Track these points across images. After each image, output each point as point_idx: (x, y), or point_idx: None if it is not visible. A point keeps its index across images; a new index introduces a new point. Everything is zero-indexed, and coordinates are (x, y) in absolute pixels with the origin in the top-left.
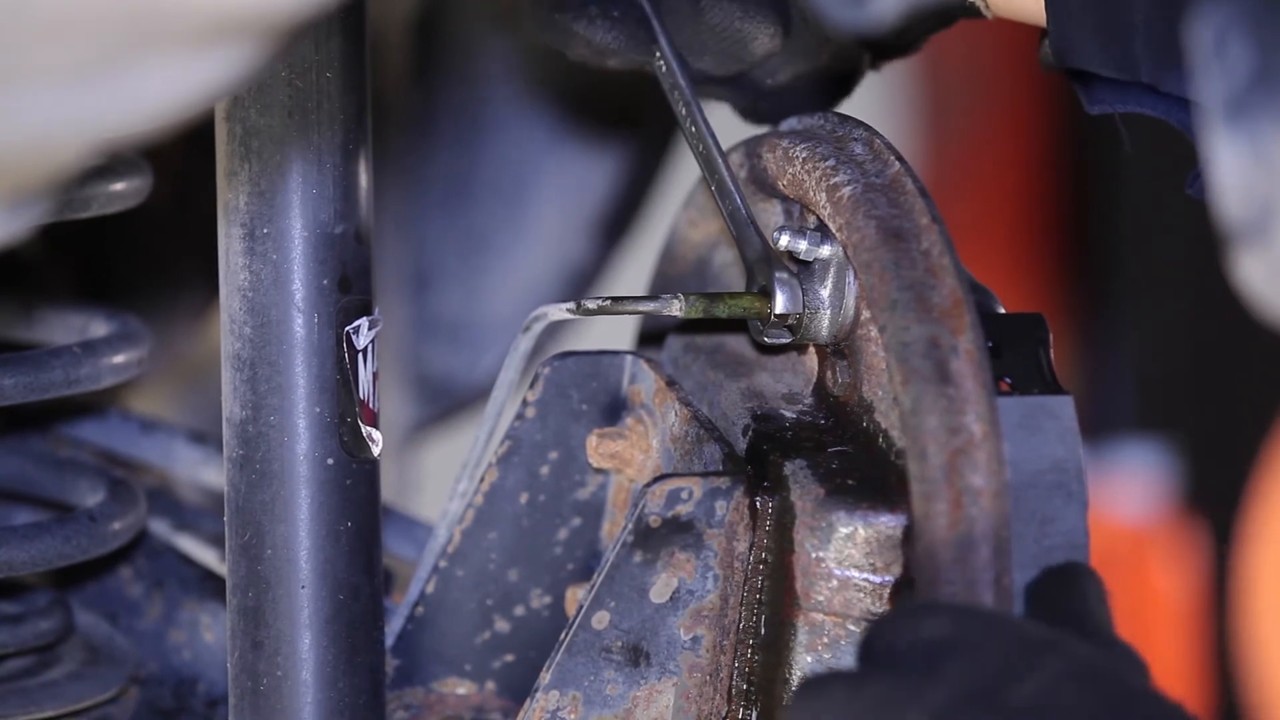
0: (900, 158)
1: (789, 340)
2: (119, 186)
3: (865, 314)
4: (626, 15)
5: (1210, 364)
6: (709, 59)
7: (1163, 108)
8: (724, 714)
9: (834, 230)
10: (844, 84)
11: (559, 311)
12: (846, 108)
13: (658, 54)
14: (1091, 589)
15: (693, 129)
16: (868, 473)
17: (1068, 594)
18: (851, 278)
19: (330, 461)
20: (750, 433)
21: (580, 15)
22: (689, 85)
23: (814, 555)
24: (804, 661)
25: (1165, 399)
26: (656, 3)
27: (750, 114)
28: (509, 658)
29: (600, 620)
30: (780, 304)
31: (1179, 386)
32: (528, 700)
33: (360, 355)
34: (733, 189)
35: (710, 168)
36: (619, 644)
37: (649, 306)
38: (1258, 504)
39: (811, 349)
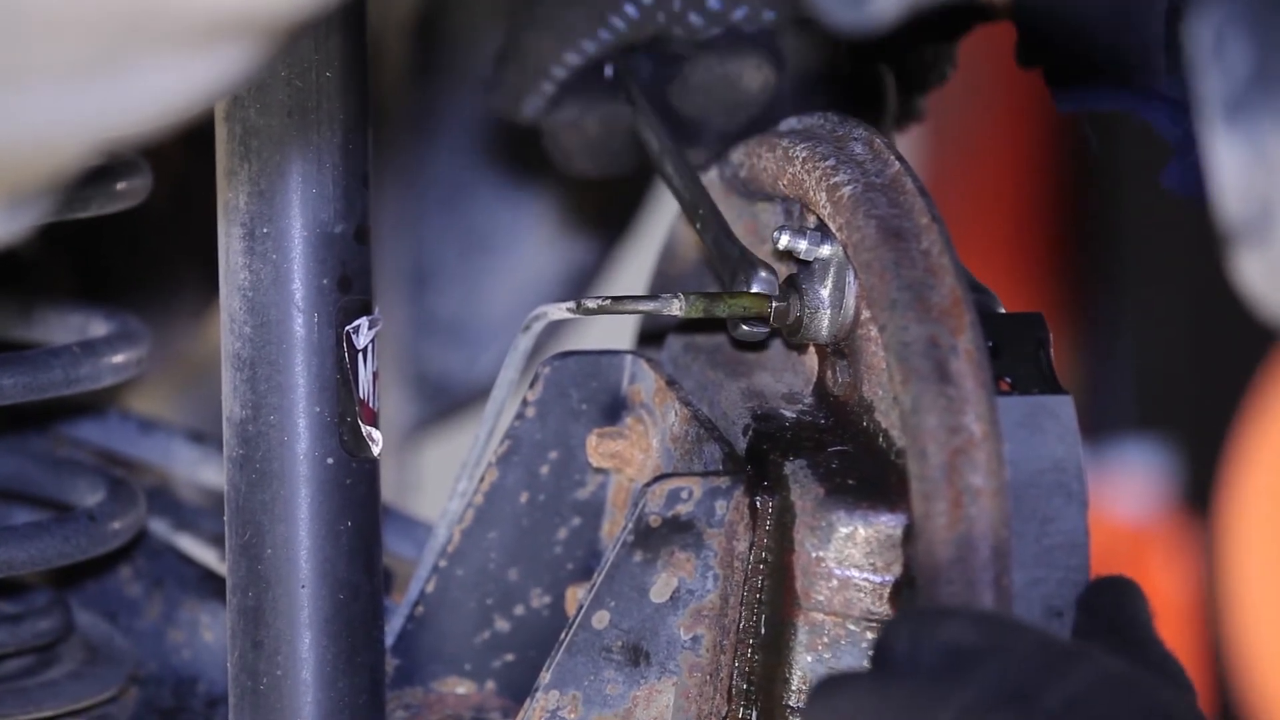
0: (900, 157)
1: (764, 335)
2: (119, 186)
3: (865, 313)
4: (601, 93)
5: (1209, 363)
6: (717, 116)
7: (1129, 102)
8: (724, 714)
9: (834, 230)
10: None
11: (559, 311)
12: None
13: (644, 127)
14: (1140, 602)
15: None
16: (868, 472)
17: (1118, 605)
18: (851, 277)
19: (330, 461)
20: (750, 432)
21: (556, 105)
22: (677, 155)
23: (814, 555)
24: (804, 661)
25: (1164, 398)
26: (627, 73)
27: None
28: (509, 657)
29: (600, 620)
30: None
31: (1178, 385)
32: (528, 700)
33: (360, 355)
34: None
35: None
36: (619, 643)
37: (649, 306)
38: (1237, 495)
39: (812, 349)
